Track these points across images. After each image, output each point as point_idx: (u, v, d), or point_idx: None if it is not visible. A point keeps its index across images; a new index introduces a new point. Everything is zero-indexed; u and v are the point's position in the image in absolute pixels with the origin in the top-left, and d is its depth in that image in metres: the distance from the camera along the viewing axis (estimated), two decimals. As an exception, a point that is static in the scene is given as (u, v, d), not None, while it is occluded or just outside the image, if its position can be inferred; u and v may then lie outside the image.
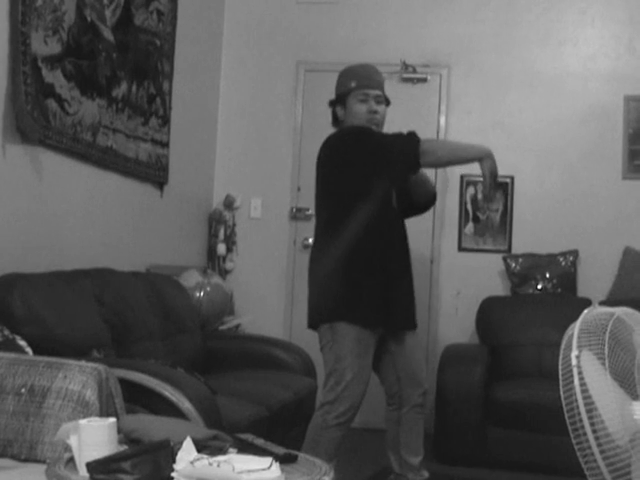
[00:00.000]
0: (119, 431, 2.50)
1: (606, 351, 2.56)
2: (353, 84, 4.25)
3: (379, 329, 4.16)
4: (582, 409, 2.53)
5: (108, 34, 4.92)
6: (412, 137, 4.02)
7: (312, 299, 4.23)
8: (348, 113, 4.27)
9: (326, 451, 4.03)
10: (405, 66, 6.33)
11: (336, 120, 4.39)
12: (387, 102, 4.35)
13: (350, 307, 4.08)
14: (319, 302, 4.19)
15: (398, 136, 4.07)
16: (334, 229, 4.12)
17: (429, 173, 6.15)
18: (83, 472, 2.29)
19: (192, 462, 2.22)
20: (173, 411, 3.42)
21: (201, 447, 2.37)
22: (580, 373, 2.56)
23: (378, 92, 4.26)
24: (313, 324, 4.22)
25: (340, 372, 4.06)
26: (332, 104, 4.39)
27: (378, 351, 4.24)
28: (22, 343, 3.50)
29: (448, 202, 6.44)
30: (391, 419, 4.37)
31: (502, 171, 6.31)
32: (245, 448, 2.54)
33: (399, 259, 4.25)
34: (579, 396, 2.54)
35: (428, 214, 5.64)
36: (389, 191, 4.21)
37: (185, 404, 3.48)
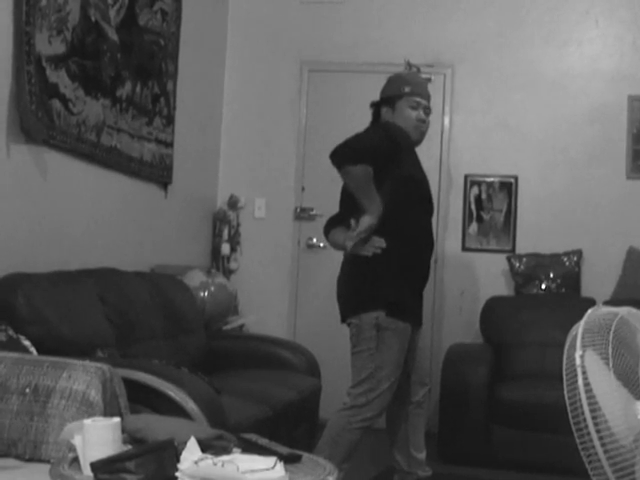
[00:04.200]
0: (123, 431, 2.50)
1: (610, 351, 2.56)
2: (407, 89, 4.28)
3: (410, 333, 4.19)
4: (586, 409, 2.53)
5: (112, 34, 4.93)
6: (354, 155, 3.98)
7: (350, 290, 4.20)
8: (397, 116, 4.27)
9: (344, 452, 4.06)
10: (409, 66, 6.29)
11: (376, 121, 4.38)
12: None
13: (395, 298, 4.09)
14: (361, 291, 4.15)
15: (351, 144, 4.03)
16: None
17: (431, 171, 6.18)
18: (87, 472, 2.29)
19: (196, 462, 2.22)
20: (177, 411, 3.42)
21: (205, 447, 2.37)
22: (584, 373, 2.57)
23: (428, 104, 4.33)
24: (347, 314, 4.18)
25: (377, 380, 4.06)
26: (376, 105, 4.39)
27: None
28: (26, 343, 3.51)
29: (452, 202, 6.44)
30: (398, 417, 4.37)
31: (506, 171, 6.39)
32: (249, 448, 2.55)
33: (431, 256, 4.33)
34: (583, 396, 2.54)
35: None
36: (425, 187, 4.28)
37: (189, 404, 3.48)
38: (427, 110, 4.33)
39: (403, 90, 4.28)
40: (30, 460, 2.90)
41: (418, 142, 4.34)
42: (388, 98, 4.33)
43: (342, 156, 3.98)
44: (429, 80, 6.30)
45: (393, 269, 4.08)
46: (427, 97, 4.35)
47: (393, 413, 4.38)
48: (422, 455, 4.37)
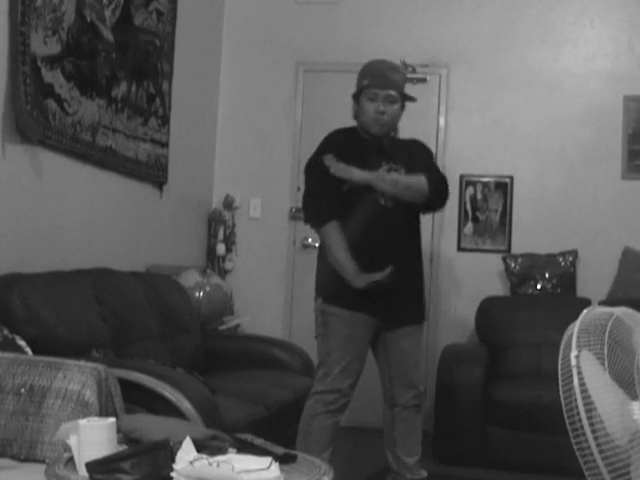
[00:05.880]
0: (118, 431, 2.50)
1: (605, 351, 2.57)
2: (366, 82, 4.24)
3: (371, 322, 4.20)
4: (581, 409, 2.53)
5: (108, 34, 4.92)
6: (318, 220, 4.26)
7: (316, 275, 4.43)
8: (360, 110, 4.27)
9: (318, 440, 4.12)
10: (405, 66, 6.32)
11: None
12: (407, 99, 4.32)
13: (332, 288, 4.21)
14: (316, 278, 4.39)
15: (309, 208, 4.32)
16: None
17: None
18: (82, 472, 2.29)
19: (191, 462, 2.22)
20: (172, 411, 3.43)
21: (200, 447, 2.37)
22: (579, 373, 2.57)
23: (390, 92, 4.22)
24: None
25: (329, 365, 4.17)
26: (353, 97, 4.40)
27: (376, 348, 4.33)
28: (22, 343, 3.50)
29: (448, 202, 6.42)
30: (386, 418, 4.39)
31: (501, 171, 6.39)
32: (244, 448, 2.55)
33: (393, 253, 4.22)
34: (578, 396, 2.54)
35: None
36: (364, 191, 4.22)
37: (184, 404, 3.48)
38: (390, 98, 4.21)
39: (363, 83, 4.26)
40: (25, 460, 2.90)
41: (381, 134, 4.29)
42: (356, 92, 4.31)
43: (313, 223, 4.33)
44: (424, 80, 6.33)
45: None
46: (389, 85, 4.23)
47: (384, 414, 4.40)
48: (412, 459, 4.34)
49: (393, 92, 4.23)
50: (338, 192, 4.15)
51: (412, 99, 4.33)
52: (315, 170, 4.26)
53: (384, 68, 4.34)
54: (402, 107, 4.32)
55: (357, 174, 4.13)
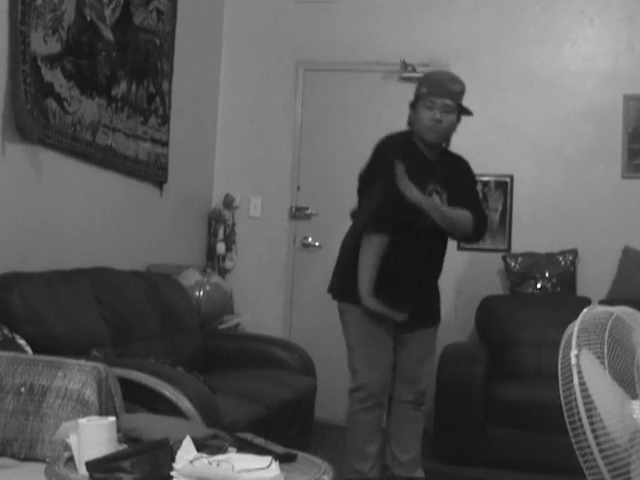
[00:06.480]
0: (118, 430, 2.50)
1: (605, 350, 2.56)
2: (424, 90, 4.25)
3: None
4: (581, 408, 2.53)
5: (108, 33, 4.92)
6: (374, 226, 4.14)
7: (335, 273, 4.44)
8: (416, 117, 4.27)
9: (359, 435, 4.22)
10: (405, 65, 6.32)
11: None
12: (464, 112, 4.36)
13: (346, 285, 4.22)
14: (333, 279, 4.40)
15: (371, 207, 4.20)
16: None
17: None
18: (83, 471, 2.29)
19: (191, 461, 2.22)
20: (172, 410, 3.42)
21: (200, 446, 2.37)
22: (579, 372, 2.57)
23: (447, 101, 4.24)
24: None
25: (355, 361, 4.25)
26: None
27: None
28: (22, 342, 3.51)
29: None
30: (387, 412, 4.44)
31: (501, 170, 6.38)
32: (244, 447, 2.55)
33: (420, 271, 4.27)
34: (578, 395, 2.54)
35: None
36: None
37: (184, 403, 3.48)
38: (447, 108, 4.23)
39: (422, 90, 4.26)
40: (25, 459, 2.90)
41: (436, 142, 4.30)
42: (413, 101, 4.32)
43: (367, 225, 4.17)
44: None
45: (350, 263, 4.20)
46: (447, 95, 4.26)
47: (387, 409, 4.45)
48: (406, 456, 4.37)
49: (450, 102, 4.26)
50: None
51: (469, 112, 4.36)
52: (387, 174, 4.08)
53: (443, 78, 4.39)
54: (458, 119, 4.34)
55: (416, 195, 4.05)
